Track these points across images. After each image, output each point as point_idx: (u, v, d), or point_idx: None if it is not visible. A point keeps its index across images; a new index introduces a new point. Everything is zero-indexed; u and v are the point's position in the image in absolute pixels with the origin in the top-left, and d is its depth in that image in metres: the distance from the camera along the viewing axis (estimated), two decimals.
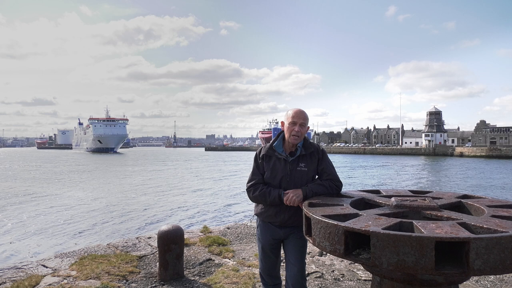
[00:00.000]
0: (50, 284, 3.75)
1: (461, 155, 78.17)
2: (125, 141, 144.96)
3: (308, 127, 2.80)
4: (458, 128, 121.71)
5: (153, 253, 4.80)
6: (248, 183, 2.79)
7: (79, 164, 58.19)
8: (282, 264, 3.49)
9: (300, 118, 2.68)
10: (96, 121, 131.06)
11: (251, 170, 2.84)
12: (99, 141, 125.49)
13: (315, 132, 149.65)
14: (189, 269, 4.32)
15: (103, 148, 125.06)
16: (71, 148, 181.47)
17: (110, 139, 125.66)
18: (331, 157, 2.90)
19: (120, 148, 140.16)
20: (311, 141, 2.88)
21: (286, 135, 2.73)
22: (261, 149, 2.83)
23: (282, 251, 2.93)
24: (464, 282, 3.57)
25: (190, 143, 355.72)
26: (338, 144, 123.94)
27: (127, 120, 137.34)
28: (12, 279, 3.89)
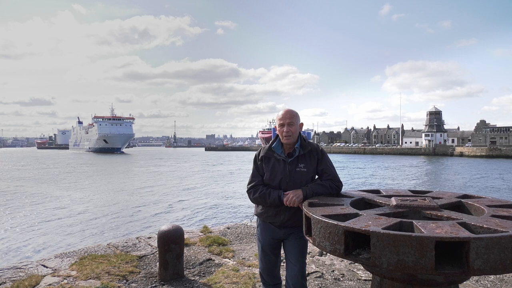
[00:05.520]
0: (50, 284, 3.75)
1: (461, 155, 78.18)
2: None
3: (302, 124, 2.80)
4: (458, 128, 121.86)
5: (153, 253, 4.80)
6: (248, 184, 2.81)
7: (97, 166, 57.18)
8: (282, 264, 3.49)
9: (286, 118, 2.70)
10: (101, 120, 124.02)
11: (251, 171, 2.86)
12: (104, 140, 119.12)
13: (315, 132, 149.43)
14: (189, 269, 4.32)
15: (108, 148, 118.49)
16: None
17: (116, 139, 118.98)
18: (331, 157, 2.90)
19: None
20: (310, 140, 2.89)
21: (280, 137, 2.76)
22: (260, 150, 2.86)
23: (282, 251, 2.93)
24: (464, 282, 3.57)
25: (190, 143, 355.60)
26: (338, 144, 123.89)
27: (133, 119, 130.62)
28: (12, 279, 3.88)
